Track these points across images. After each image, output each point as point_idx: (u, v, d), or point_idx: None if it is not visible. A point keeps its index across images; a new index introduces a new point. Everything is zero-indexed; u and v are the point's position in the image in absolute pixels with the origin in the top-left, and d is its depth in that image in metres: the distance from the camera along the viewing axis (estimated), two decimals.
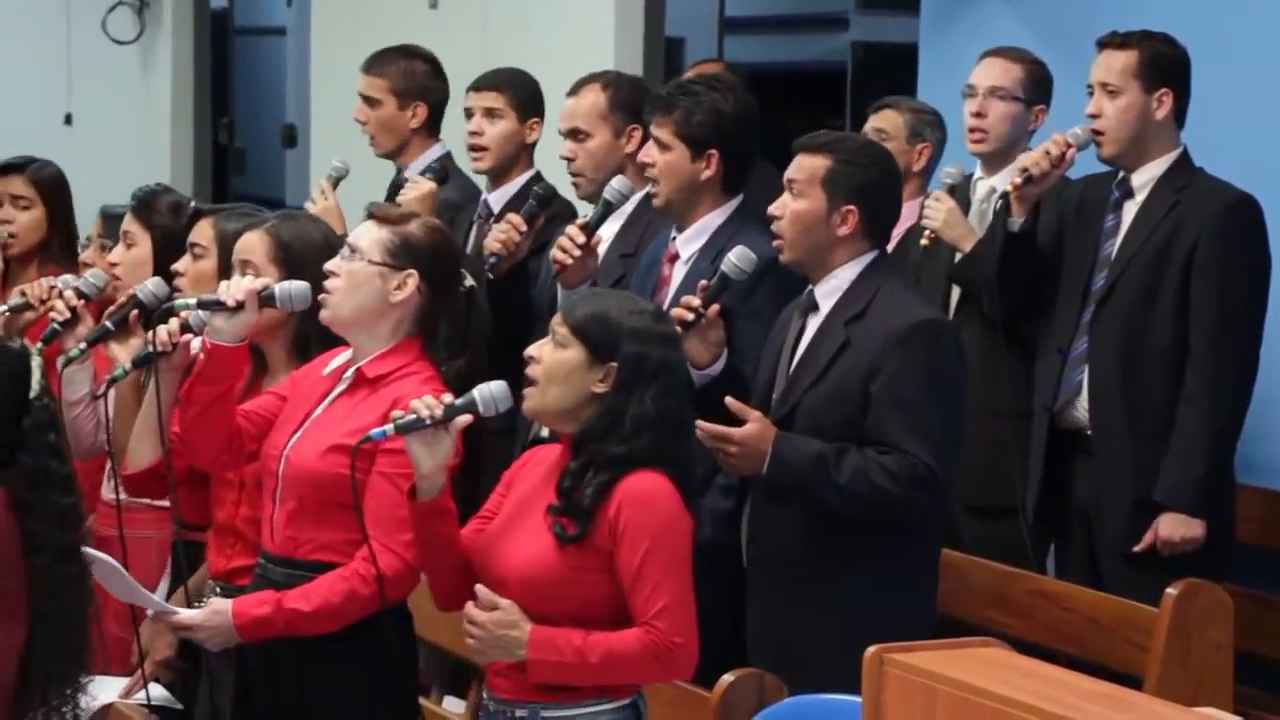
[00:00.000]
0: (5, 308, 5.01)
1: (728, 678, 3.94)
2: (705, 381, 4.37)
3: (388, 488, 3.77)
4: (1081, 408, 5.04)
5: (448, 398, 3.61)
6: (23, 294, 5.06)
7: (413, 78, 5.99)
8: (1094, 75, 5.07)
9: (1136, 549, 4.89)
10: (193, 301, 4.02)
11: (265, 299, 3.96)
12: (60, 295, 4.95)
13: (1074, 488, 5.08)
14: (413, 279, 3.90)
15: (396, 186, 5.88)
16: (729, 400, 4.21)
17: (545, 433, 4.16)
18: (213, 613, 3.87)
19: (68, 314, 4.66)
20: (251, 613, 3.83)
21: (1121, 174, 5.09)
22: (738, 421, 4.20)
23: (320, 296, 3.94)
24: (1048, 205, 5.16)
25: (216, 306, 3.92)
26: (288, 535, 3.90)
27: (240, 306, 3.91)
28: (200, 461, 4.06)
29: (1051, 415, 5.09)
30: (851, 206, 4.29)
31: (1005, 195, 5.09)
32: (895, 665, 2.75)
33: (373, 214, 3.99)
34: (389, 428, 3.59)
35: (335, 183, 5.75)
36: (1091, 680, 2.71)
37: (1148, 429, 4.92)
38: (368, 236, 3.93)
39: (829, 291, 4.33)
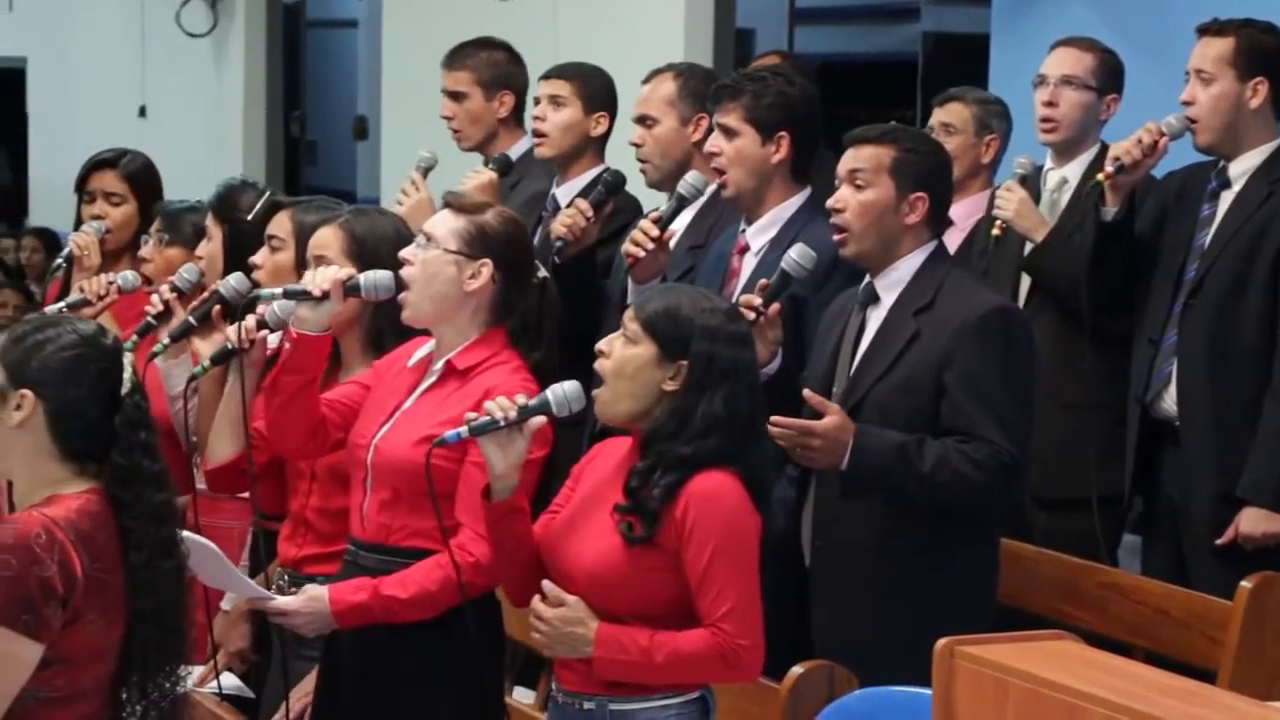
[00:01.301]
0: (64, 304, 5.01)
1: (797, 669, 3.92)
2: (762, 380, 4.36)
3: (481, 477, 3.75)
4: (1171, 399, 5.00)
5: (522, 398, 3.61)
6: (80, 290, 5.08)
7: (497, 67, 5.99)
8: (1190, 61, 5.02)
9: (1219, 543, 4.86)
10: (279, 291, 4.04)
11: (350, 288, 3.99)
12: (118, 290, 4.99)
13: (1163, 479, 5.06)
14: (487, 268, 3.92)
15: None
16: (806, 394, 4.17)
17: None
18: (309, 599, 3.88)
19: (161, 307, 4.68)
20: (349, 599, 3.84)
21: (1221, 163, 5.04)
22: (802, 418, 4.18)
23: (400, 297, 3.96)
24: (1149, 195, 5.12)
25: (303, 296, 3.95)
26: (380, 522, 3.92)
27: (326, 296, 3.94)
28: (285, 450, 4.09)
29: (1143, 406, 5.06)
30: (922, 194, 4.29)
31: (1098, 185, 5.04)
32: (966, 658, 2.74)
33: (448, 203, 4.01)
34: (463, 430, 3.58)
35: (425, 173, 5.74)
36: (1164, 674, 2.70)
37: (1234, 422, 4.87)
38: (443, 225, 3.95)
39: (891, 283, 4.32)
